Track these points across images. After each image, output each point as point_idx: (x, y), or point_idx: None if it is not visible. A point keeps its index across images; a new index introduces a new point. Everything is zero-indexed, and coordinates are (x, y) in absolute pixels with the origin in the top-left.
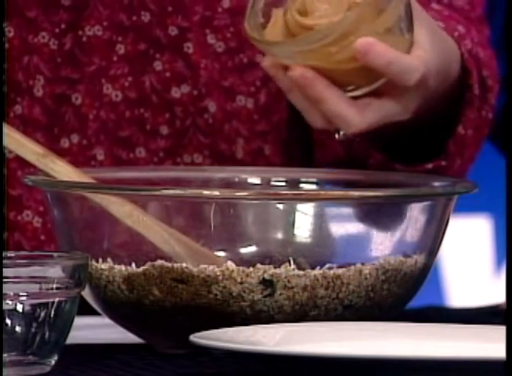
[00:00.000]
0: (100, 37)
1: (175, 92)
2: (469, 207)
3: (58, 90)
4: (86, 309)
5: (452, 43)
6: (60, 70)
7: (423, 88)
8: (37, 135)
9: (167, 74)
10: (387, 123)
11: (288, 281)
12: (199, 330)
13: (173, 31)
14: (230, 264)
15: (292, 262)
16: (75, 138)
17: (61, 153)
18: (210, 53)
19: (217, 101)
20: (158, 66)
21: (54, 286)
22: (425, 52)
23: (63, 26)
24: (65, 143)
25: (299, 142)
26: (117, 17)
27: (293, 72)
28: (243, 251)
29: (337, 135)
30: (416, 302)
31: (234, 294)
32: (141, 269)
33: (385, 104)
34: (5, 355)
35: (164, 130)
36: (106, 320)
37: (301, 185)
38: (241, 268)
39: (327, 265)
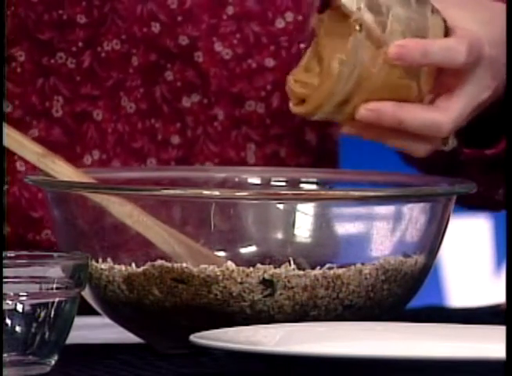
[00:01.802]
0: (118, 51)
1: (186, 102)
2: None
3: (78, 108)
4: (86, 309)
5: (501, 7)
6: (80, 88)
7: (485, 58)
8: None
9: (178, 84)
10: (477, 110)
11: (288, 281)
12: (199, 330)
13: (183, 41)
14: (230, 264)
15: (292, 262)
16: (96, 154)
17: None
18: (218, 61)
19: (225, 108)
20: (169, 76)
21: (54, 286)
22: (465, 30)
23: (80, 44)
24: (88, 160)
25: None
26: (132, 29)
27: (357, 114)
28: (243, 251)
29: (445, 147)
30: (416, 302)
31: (234, 294)
32: (141, 269)
33: (461, 90)
34: (5, 355)
35: (175, 140)
36: (106, 320)
37: (301, 185)
38: (241, 268)
39: (327, 265)
